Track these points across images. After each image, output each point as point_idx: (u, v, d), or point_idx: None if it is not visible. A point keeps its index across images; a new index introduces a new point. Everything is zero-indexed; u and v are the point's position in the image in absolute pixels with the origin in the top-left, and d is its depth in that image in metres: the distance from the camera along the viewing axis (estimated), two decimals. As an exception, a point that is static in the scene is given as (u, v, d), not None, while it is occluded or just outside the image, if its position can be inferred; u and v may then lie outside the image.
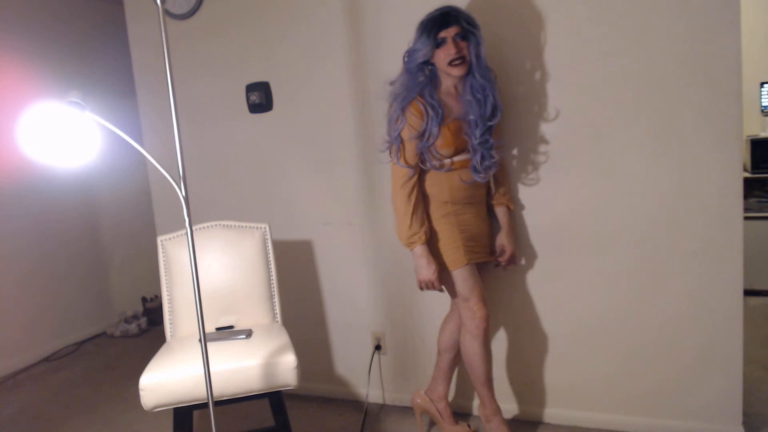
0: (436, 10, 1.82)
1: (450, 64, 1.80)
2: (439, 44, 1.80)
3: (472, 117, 1.84)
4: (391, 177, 1.93)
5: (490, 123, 1.85)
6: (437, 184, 1.92)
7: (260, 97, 2.52)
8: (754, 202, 3.57)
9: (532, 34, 2.06)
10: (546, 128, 2.09)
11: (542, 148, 2.11)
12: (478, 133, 1.84)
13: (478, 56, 1.81)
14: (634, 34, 1.94)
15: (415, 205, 1.89)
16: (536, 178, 2.14)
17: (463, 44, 1.80)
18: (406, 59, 1.89)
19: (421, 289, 1.96)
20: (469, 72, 1.83)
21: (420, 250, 1.89)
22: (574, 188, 2.10)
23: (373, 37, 2.29)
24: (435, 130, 1.83)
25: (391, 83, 1.92)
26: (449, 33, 1.79)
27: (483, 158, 1.87)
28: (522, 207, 2.18)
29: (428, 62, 1.86)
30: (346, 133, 2.42)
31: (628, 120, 1.99)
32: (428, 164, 1.89)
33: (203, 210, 2.63)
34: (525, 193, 2.16)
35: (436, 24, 1.80)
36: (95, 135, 1.39)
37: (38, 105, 1.32)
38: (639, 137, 1.99)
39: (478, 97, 1.84)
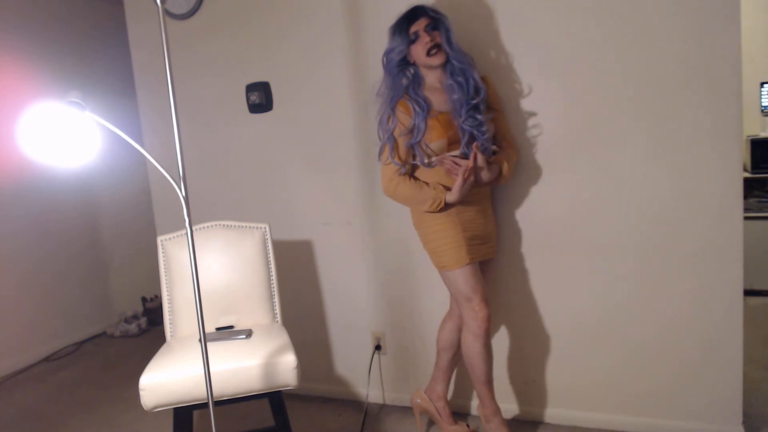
0: (404, 12, 1.91)
1: (428, 54, 1.86)
2: (413, 40, 1.88)
3: (455, 96, 1.88)
4: (382, 177, 1.98)
5: (473, 101, 1.88)
6: (439, 183, 1.93)
7: (260, 97, 2.52)
8: (754, 202, 3.57)
9: (531, 34, 2.06)
10: (546, 128, 2.09)
11: (542, 148, 2.11)
12: (463, 111, 1.87)
13: (449, 42, 1.88)
14: (634, 34, 1.94)
15: (417, 182, 1.95)
16: (536, 179, 2.14)
17: (435, 33, 1.87)
18: (384, 62, 1.95)
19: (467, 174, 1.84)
20: (447, 60, 1.89)
21: (450, 197, 1.88)
22: (574, 188, 2.10)
23: (373, 37, 2.29)
24: (422, 125, 1.88)
25: (378, 94, 1.99)
26: (420, 25, 1.87)
27: (473, 138, 1.89)
28: (522, 207, 2.18)
29: (408, 62, 1.93)
30: (346, 133, 2.42)
31: (628, 120, 1.99)
32: (418, 160, 1.93)
33: (203, 210, 2.63)
34: (525, 194, 2.16)
35: (405, 21, 1.89)
36: (95, 135, 1.39)
37: (38, 105, 1.32)
38: (639, 137, 1.99)
39: (459, 80, 1.89)
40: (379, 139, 1.97)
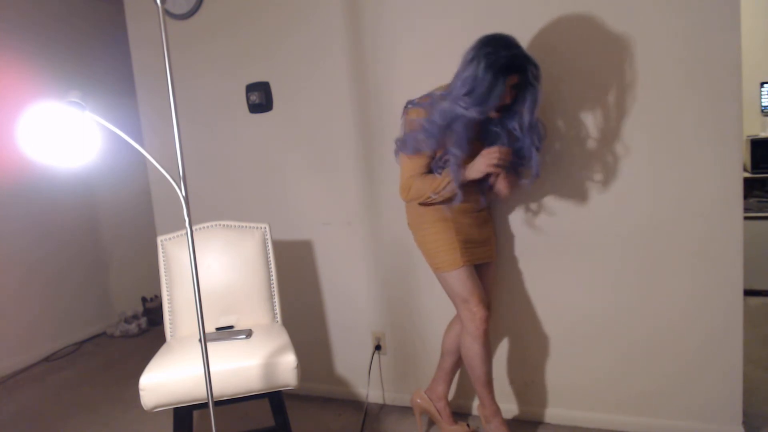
0: (506, 50, 1.67)
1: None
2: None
3: (499, 142, 1.86)
4: (400, 175, 1.93)
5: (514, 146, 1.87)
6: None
7: (260, 97, 2.52)
8: (754, 202, 3.57)
9: (529, 33, 2.06)
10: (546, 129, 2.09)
11: (542, 149, 2.11)
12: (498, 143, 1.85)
13: (531, 112, 1.77)
14: (634, 34, 1.94)
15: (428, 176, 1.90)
16: (535, 180, 2.13)
17: (514, 93, 1.76)
18: (468, 91, 1.69)
19: (498, 165, 1.79)
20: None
21: (454, 174, 1.81)
22: (574, 188, 2.10)
23: (373, 37, 2.29)
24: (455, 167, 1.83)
25: (427, 105, 1.82)
26: (512, 80, 1.71)
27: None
28: (522, 207, 2.18)
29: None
30: (346, 133, 2.42)
31: (628, 120, 1.99)
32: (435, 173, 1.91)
33: (203, 210, 2.64)
34: (525, 194, 2.16)
35: (506, 66, 1.66)
36: (95, 135, 1.39)
37: (38, 105, 1.32)
38: (639, 137, 1.99)
39: (516, 134, 1.84)
40: (403, 143, 1.89)
